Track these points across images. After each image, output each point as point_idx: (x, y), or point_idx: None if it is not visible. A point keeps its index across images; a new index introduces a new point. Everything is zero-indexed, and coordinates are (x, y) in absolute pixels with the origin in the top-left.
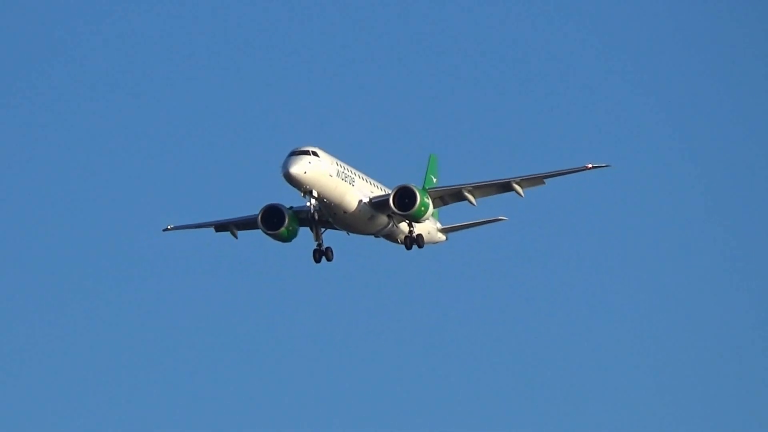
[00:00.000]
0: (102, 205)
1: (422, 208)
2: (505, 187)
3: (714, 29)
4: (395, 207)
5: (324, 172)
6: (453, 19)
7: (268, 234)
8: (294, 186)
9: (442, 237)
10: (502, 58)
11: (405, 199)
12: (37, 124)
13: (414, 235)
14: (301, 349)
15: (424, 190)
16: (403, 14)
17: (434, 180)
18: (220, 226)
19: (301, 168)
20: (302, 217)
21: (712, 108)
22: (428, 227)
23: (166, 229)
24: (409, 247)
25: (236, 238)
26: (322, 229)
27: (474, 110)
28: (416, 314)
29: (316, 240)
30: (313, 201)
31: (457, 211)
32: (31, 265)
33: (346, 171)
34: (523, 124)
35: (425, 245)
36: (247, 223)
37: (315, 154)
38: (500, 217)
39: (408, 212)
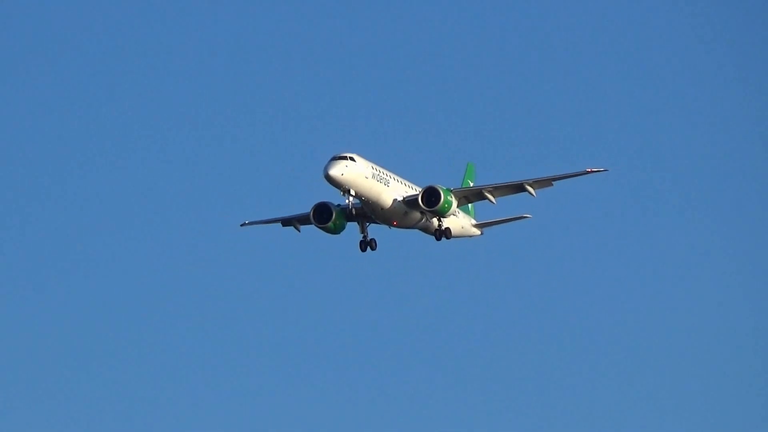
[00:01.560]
0: (182, 204)
1: (446, 205)
2: (519, 187)
3: (713, 32)
4: (423, 204)
5: (360, 175)
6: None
7: (319, 227)
8: (333, 186)
9: (477, 231)
10: (525, 65)
11: (432, 197)
12: (124, 128)
13: (443, 228)
14: (347, 320)
15: (448, 190)
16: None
17: (471, 184)
18: (286, 222)
19: (338, 171)
20: (348, 213)
21: (712, 111)
22: (462, 222)
23: (244, 224)
24: (438, 238)
25: (299, 231)
26: (366, 224)
27: (494, 117)
28: (446, 297)
29: (362, 233)
30: (351, 199)
31: (489, 210)
32: (115, 263)
33: (381, 174)
34: (539, 131)
35: (462, 238)
36: (304, 219)
37: (352, 159)
38: (525, 215)
39: (434, 208)
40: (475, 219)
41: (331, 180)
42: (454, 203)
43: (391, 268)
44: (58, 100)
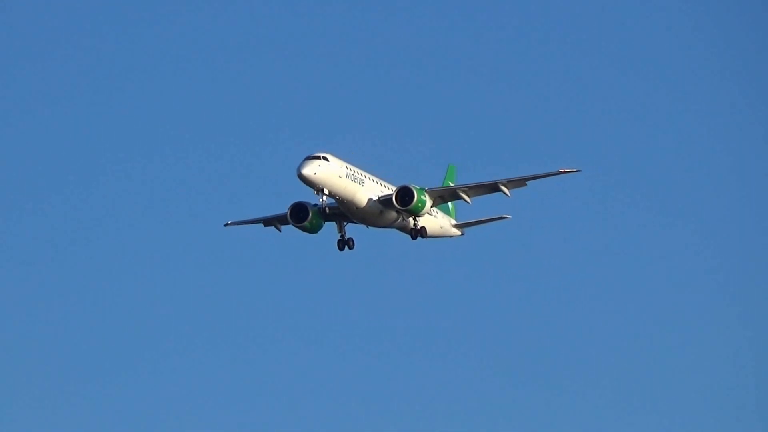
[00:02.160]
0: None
1: (419, 204)
2: (494, 188)
3: (689, 30)
4: (397, 203)
5: (333, 174)
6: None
7: (296, 227)
8: (307, 185)
9: (457, 232)
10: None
11: (405, 196)
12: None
13: (418, 227)
14: (322, 321)
15: (422, 189)
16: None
17: (451, 185)
18: (267, 222)
19: (311, 170)
20: (323, 212)
21: (689, 110)
22: (441, 222)
23: (227, 224)
24: (414, 237)
25: (280, 231)
26: (344, 223)
27: (472, 117)
28: (422, 295)
29: (339, 232)
30: (324, 198)
31: (470, 210)
32: (100, 263)
33: (355, 173)
34: (515, 131)
35: (442, 238)
36: (283, 219)
37: (325, 158)
38: (504, 216)
39: (408, 207)
40: (455, 219)
41: (304, 179)
42: (428, 202)
43: (368, 268)
44: (46, 101)
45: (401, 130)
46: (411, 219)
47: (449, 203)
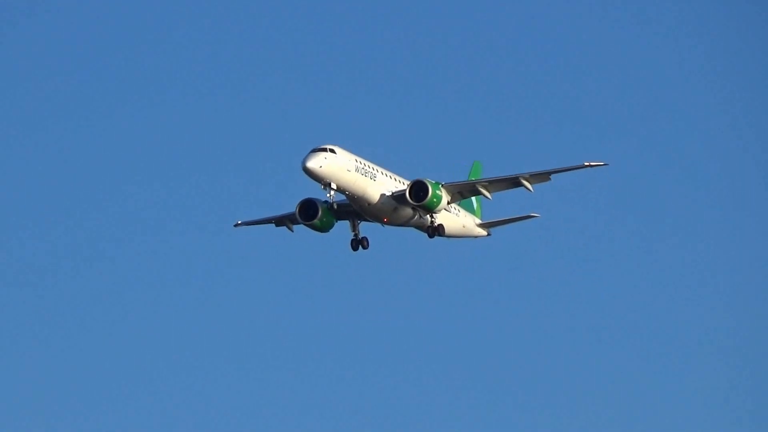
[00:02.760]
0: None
1: (434, 200)
2: (515, 182)
3: (712, 28)
4: (411, 199)
5: (340, 167)
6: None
7: (305, 225)
8: (313, 179)
9: (482, 232)
10: (522, 59)
11: (420, 191)
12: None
13: (435, 224)
14: (332, 324)
15: (437, 184)
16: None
17: (470, 180)
18: (279, 221)
19: (317, 163)
20: (339, 211)
21: (712, 107)
22: (464, 221)
23: (237, 225)
24: (431, 236)
25: (292, 231)
26: (358, 222)
27: (493, 111)
28: (438, 299)
29: (353, 231)
30: (332, 193)
31: (499, 210)
32: (111, 264)
33: (366, 167)
34: (539, 124)
35: (466, 238)
36: (293, 218)
37: (332, 151)
38: (533, 214)
39: (422, 203)
40: (480, 219)
41: (309, 173)
42: (444, 198)
43: (382, 268)
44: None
45: (421, 126)
46: (428, 216)
47: (474, 202)
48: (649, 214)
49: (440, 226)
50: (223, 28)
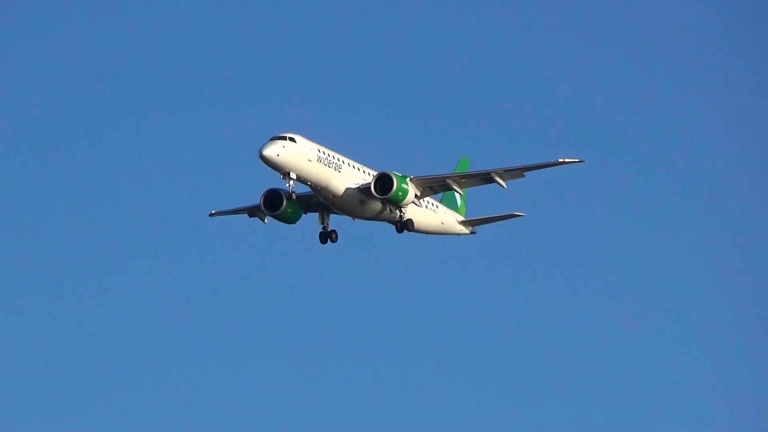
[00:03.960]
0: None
1: (399, 193)
2: (487, 178)
3: (690, 23)
4: (376, 192)
5: (300, 156)
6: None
7: (271, 216)
8: (271, 168)
9: (464, 229)
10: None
11: (385, 184)
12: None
13: (404, 219)
14: (298, 316)
15: (403, 177)
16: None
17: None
18: (251, 212)
19: (273, 151)
20: (308, 203)
21: (691, 101)
22: (442, 218)
23: (212, 214)
24: (399, 230)
25: (265, 222)
26: (327, 214)
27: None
28: (401, 294)
29: (321, 223)
30: (291, 183)
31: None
32: (87, 257)
33: (330, 158)
34: (518, 121)
35: (446, 236)
36: (259, 209)
37: (292, 139)
38: (517, 213)
39: (387, 196)
40: (464, 216)
41: (266, 161)
42: (411, 191)
43: (350, 262)
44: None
45: (404, 122)
46: (397, 210)
47: (458, 199)
48: (633, 211)
49: (409, 220)
50: (207, 27)
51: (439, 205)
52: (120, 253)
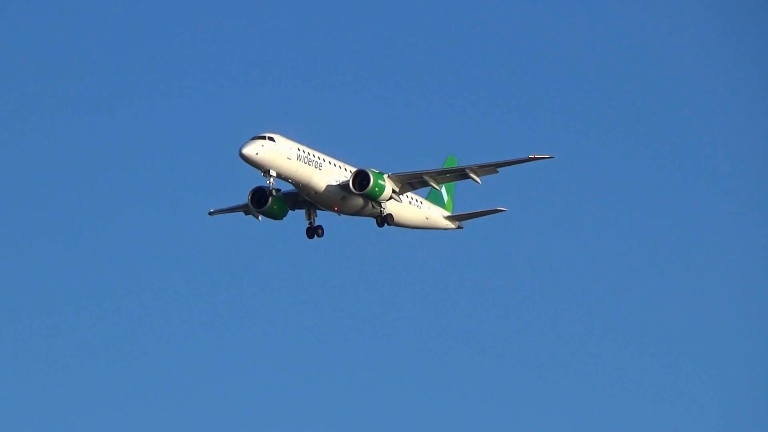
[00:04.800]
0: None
1: (376, 189)
2: (462, 174)
3: (667, 13)
4: (354, 188)
5: (279, 155)
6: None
7: (257, 212)
8: (251, 165)
9: (450, 224)
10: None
11: (363, 181)
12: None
13: (384, 214)
14: (290, 306)
15: (380, 173)
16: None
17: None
18: (246, 210)
19: (252, 150)
20: (294, 199)
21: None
22: (427, 213)
23: (211, 213)
24: (380, 225)
25: (259, 220)
26: (314, 211)
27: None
28: (384, 286)
29: (308, 219)
30: (272, 180)
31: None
32: (87, 254)
33: (310, 156)
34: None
35: (432, 230)
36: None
37: (271, 138)
38: (500, 208)
39: (364, 192)
40: (450, 211)
41: (245, 159)
42: (388, 187)
43: (335, 256)
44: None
45: (394, 118)
46: (377, 205)
47: (445, 195)
48: (608, 205)
49: (389, 215)
50: (212, 27)
51: (424, 201)
52: (113, 251)
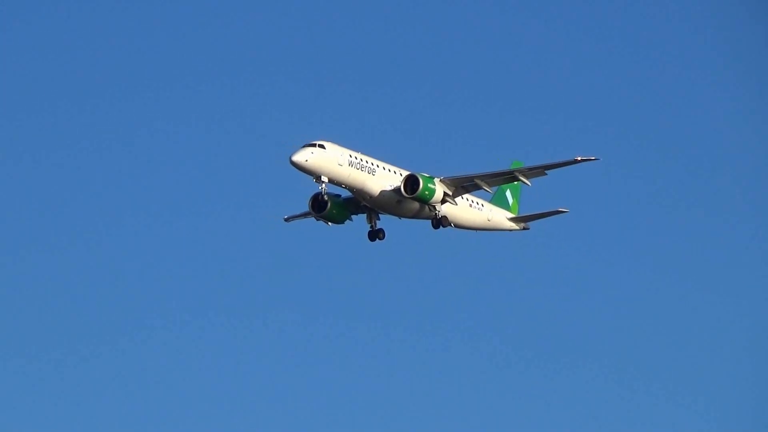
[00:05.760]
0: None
1: (426, 192)
2: (511, 177)
3: (702, 22)
4: (405, 192)
5: (330, 161)
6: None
7: (318, 217)
8: (302, 172)
9: (514, 226)
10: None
11: (414, 185)
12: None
13: (439, 216)
14: (348, 309)
15: (430, 177)
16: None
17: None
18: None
19: (302, 157)
20: (355, 205)
21: (705, 99)
22: (489, 215)
23: (286, 219)
24: (435, 227)
25: (328, 225)
26: (375, 215)
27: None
28: (447, 289)
29: (369, 223)
30: (323, 186)
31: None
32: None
33: (363, 162)
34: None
35: (496, 232)
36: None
37: (321, 146)
38: (562, 210)
39: (414, 195)
40: (514, 213)
41: (296, 166)
42: (439, 190)
43: (395, 258)
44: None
45: (456, 125)
46: (432, 209)
47: (509, 197)
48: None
49: (443, 217)
50: (223, 28)
51: (486, 203)
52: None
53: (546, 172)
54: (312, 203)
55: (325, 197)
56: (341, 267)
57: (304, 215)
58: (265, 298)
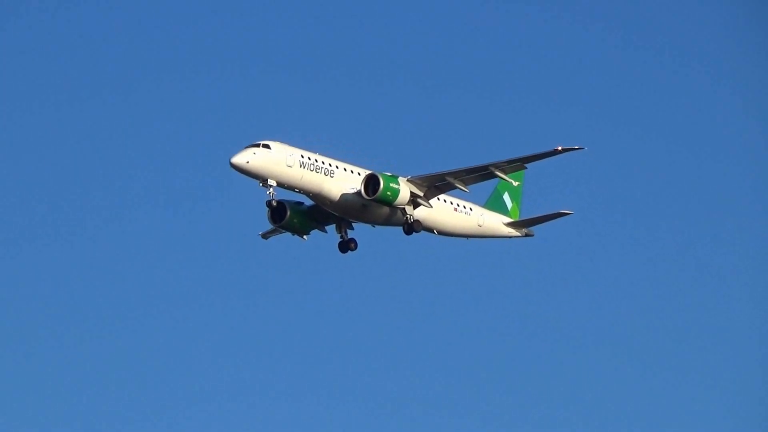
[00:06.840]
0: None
1: (388, 193)
2: (489, 173)
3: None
4: (365, 194)
5: (276, 162)
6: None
7: (280, 228)
8: (244, 175)
9: (513, 231)
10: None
11: (375, 185)
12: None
13: (410, 220)
14: (324, 323)
15: (392, 176)
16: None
17: (514, 184)
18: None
19: (242, 159)
20: (323, 213)
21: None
22: (478, 220)
23: (263, 235)
24: (407, 232)
25: (303, 239)
26: (344, 224)
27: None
28: (413, 298)
29: (338, 232)
30: (271, 190)
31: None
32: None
33: (318, 163)
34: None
35: (491, 239)
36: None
37: (266, 146)
38: (565, 212)
39: (375, 197)
40: (516, 218)
41: (237, 169)
42: (404, 190)
43: (368, 269)
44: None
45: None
46: (403, 213)
47: (509, 202)
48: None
49: (415, 222)
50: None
51: (475, 207)
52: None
53: (526, 165)
54: (271, 214)
55: (276, 203)
56: (309, 282)
57: (278, 230)
58: (236, 320)
